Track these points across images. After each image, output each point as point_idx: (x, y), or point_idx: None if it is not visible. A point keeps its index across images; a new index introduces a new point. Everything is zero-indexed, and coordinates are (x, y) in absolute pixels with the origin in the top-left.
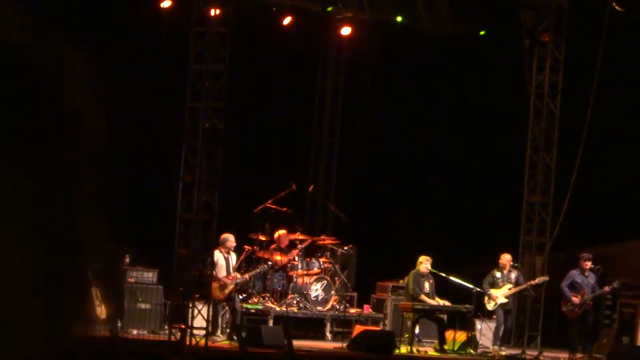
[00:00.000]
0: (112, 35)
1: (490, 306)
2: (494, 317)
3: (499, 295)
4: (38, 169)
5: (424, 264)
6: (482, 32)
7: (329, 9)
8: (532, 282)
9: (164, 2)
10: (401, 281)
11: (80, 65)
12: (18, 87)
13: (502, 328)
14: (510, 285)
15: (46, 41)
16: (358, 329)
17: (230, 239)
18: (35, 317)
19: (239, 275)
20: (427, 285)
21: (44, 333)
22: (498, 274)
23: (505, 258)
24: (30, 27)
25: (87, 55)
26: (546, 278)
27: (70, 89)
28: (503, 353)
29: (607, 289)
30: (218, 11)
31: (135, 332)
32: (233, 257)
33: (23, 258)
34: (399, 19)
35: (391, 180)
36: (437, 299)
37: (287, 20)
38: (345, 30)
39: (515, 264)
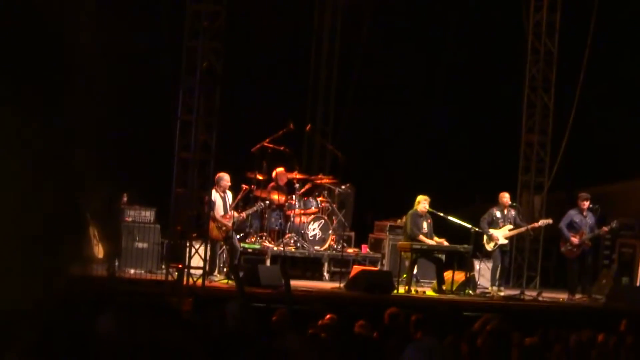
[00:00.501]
0: None
1: (490, 247)
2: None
3: (500, 236)
4: (38, 108)
5: (422, 203)
6: None
7: None
8: (535, 225)
9: None
10: (399, 221)
11: (80, 4)
12: (19, 25)
13: (499, 269)
14: (510, 226)
15: None
16: (356, 269)
17: (225, 177)
18: (35, 256)
19: (236, 214)
20: (425, 225)
21: (43, 272)
22: (498, 213)
23: (505, 197)
24: None
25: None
26: (549, 221)
27: (70, 28)
28: (502, 294)
29: (605, 229)
30: None
31: (132, 271)
32: (229, 196)
33: (23, 198)
34: None
35: (389, 120)
36: (435, 238)
37: None
38: None
39: (514, 203)
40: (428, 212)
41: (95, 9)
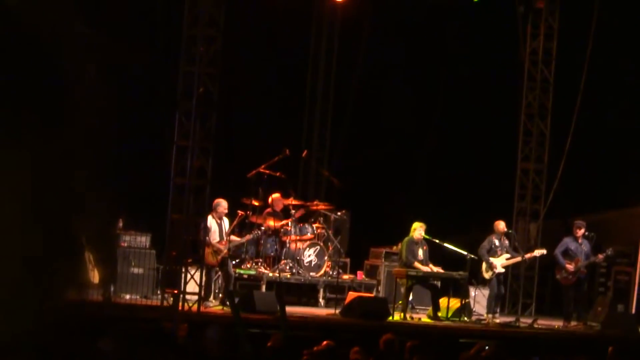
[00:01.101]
0: (107, 1)
1: (488, 275)
2: (487, 285)
3: (498, 264)
4: (35, 134)
5: (418, 230)
6: None
7: None
8: (530, 255)
9: None
10: (395, 247)
11: (76, 30)
12: (15, 50)
13: (494, 296)
14: (507, 255)
15: (44, 8)
16: (351, 295)
17: (222, 204)
18: (30, 281)
19: (235, 237)
20: (420, 252)
21: (38, 297)
22: (496, 242)
23: (501, 224)
24: None
25: (83, 21)
26: (544, 251)
27: (68, 53)
28: (497, 321)
29: (600, 256)
30: None
31: (127, 296)
32: (226, 223)
33: (19, 224)
34: None
35: (385, 146)
36: (430, 265)
37: None
38: None
39: (509, 231)
40: (424, 239)
41: (92, 34)
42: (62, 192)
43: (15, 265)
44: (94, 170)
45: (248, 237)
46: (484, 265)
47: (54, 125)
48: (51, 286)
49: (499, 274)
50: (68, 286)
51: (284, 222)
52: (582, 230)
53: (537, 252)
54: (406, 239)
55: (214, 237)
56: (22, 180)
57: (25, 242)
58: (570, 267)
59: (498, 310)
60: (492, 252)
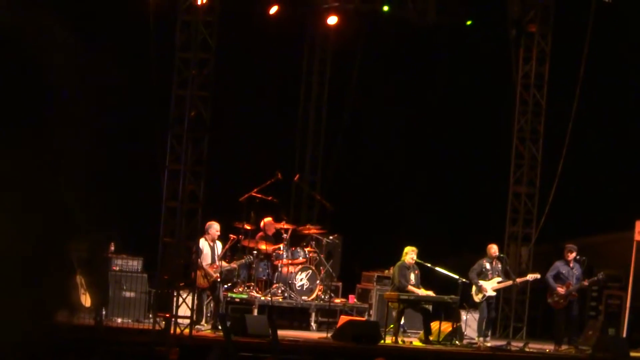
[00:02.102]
0: (99, 23)
1: (478, 298)
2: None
3: (488, 288)
4: (24, 154)
5: (410, 254)
6: (468, 22)
7: None
8: (522, 279)
9: None
10: (386, 271)
11: (67, 50)
12: (11, 76)
13: (485, 320)
14: (498, 278)
15: (34, 24)
16: (343, 319)
17: (214, 226)
18: (21, 304)
19: (224, 263)
20: (412, 276)
21: (29, 320)
22: (487, 265)
23: (493, 248)
24: (18, 5)
25: (74, 42)
26: (537, 275)
27: (60, 78)
28: (488, 344)
29: (585, 283)
30: (205, 0)
31: (119, 320)
32: (218, 246)
33: (8, 246)
34: (385, 8)
35: (377, 170)
36: (422, 289)
37: (273, 10)
38: (332, 20)
39: (501, 255)
40: (415, 263)
41: (85, 58)
42: (53, 214)
43: (5, 288)
44: (85, 193)
45: (240, 262)
46: (473, 288)
47: (42, 145)
48: (42, 310)
49: (490, 297)
50: (59, 310)
51: (275, 246)
52: (574, 254)
53: (531, 277)
54: (398, 263)
55: (206, 259)
56: (11, 203)
57: (15, 265)
58: (561, 290)
59: (489, 333)
60: (483, 275)
